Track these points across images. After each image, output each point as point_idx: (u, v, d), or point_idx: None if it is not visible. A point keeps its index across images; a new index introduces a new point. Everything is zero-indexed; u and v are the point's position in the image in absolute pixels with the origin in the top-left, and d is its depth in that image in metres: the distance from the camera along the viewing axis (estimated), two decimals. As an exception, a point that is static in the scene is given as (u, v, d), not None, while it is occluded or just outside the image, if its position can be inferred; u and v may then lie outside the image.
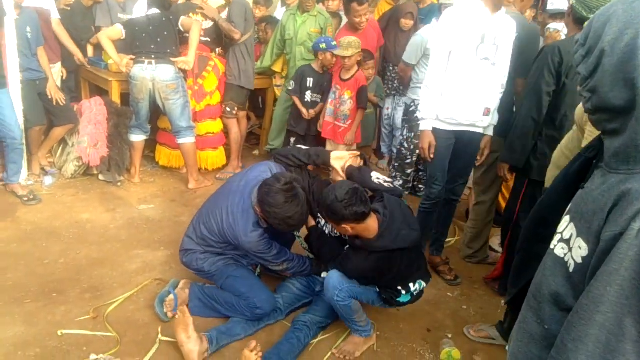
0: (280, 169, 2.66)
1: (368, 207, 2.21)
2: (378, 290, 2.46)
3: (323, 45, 4.10)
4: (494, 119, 2.97)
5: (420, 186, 4.58)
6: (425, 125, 2.94)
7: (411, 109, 4.05)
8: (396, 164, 4.37)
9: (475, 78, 2.83)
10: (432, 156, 2.97)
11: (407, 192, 4.34)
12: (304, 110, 4.29)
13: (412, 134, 4.10)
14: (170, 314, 2.53)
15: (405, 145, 4.23)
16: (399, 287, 2.43)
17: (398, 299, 2.46)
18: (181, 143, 4.08)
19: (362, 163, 2.72)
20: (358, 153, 2.74)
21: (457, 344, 2.64)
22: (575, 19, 2.59)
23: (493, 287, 3.29)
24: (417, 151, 4.19)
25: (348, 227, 2.24)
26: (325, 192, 2.26)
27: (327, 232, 2.66)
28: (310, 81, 4.28)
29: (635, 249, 0.87)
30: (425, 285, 2.54)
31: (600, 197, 0.99)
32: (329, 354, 2.50)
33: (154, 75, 3.81)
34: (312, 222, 2.67)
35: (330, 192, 2.20)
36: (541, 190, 2.82)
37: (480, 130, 2.99)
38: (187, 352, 2.30)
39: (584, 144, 2.31)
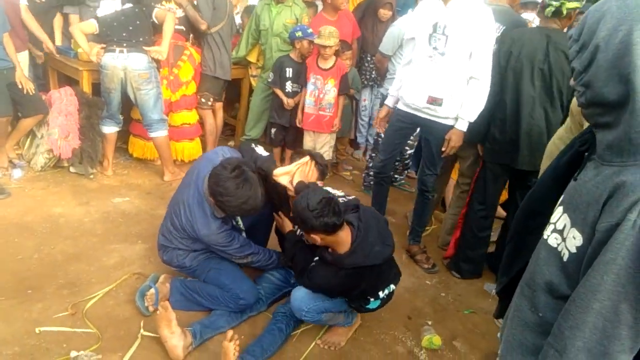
0: (233, 152, 2.58)
1: (340, 219, 2.12)
2: (346, 300, 2.44)
3: (299, 34, 4.08)
4: (465, 112, 2.90)
5: (396, 176, 4.63)
6: (387, 101, 3.34)
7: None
8: (373, 154, 4.39)
9: (423, 66, 2.94)
10: (382, 130, 3.38)
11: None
12: (285, 100, 4.27)
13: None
14: (151, 308, 2.50)
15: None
16: (369, 297, 2.39)
17: (367, 307, 2.43)
18: (153, 137, 3.99)
19: (316, 174, 2.54)
20: (306, 161, 2.50)
21: (437, 331, 2.71)
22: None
23: (447, 266, 3.43)
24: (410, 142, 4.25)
25: (317, 238, 2.17)
26: (298, 198, 2.18)
27: (303, 239, 2.54)
28: (289, 71, 4.25)
29: (632, 239, 0.91)
30: (394, 287, 2.48)
31: (594, 188, 1.02)
32: (313, 344, 2.52)
33: (125, 64, 3.70)
34: (289, 227, 2.64)
35: (303, 200, 2.12)
36: (501, 171, 3.05)
37: (445, 121, 2.99)
38: (171, 347, 2.28)
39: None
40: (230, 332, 2.16)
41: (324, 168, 2.61)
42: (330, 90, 4.07)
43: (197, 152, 4.53)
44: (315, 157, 2.56)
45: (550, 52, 2.69)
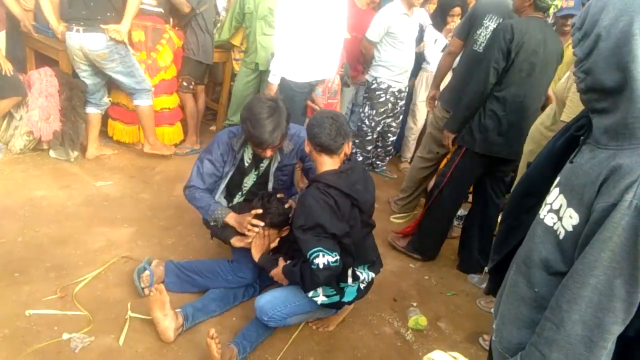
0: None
1: (335, 146, 2.16)
2: (320, 294, 2.32)
3: None
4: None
5: (378, 162, 4.70)
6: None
7: (372, 86, 4.12)
8: (357, 141, 4.44)
9: (308, 38, 3.16)
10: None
11: (367, 168, 4.45)
12: None
13: (374, 111, 4.18)
14: (147, 291, 2.50)
15: (367, 122, 4.30)
16: (348, 273, 2.31)
17: (343, 300, 2.36)
18: (135, 105, 3.92)
19: (275, 234, 2.52)
20: (259, 232, 2.44)
21: (422, 312, 2.79)
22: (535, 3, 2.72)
23: (394, 241, 3.48)
24: (378, 128, 4.29)
25: (314, 152, 2.23)
26: (312, 120, 2.25)
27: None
28: None
29: (627, 218, 0.97)
30: (374, 276, 2.47)
31: (591, 170, 1.08)
32: (302, 325, 2.57)
33: (81, 44, 3.55)
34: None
35: (321, 116, 2.20)
36: (481, 162, 3.02)
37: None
38: (163, 329, 2.29)
39: (563, 118, 2.46)
40: (212, 330, 2.14)
41: (284, 217, 2.49)
42: (336, 79, 4.09)
43: (177, 137, 4.49)
44: (271, 212, 2.46)
45: (549, 41, 2.74)
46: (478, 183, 3.24)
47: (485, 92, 2.84)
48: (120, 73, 3.73)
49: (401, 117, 4.48)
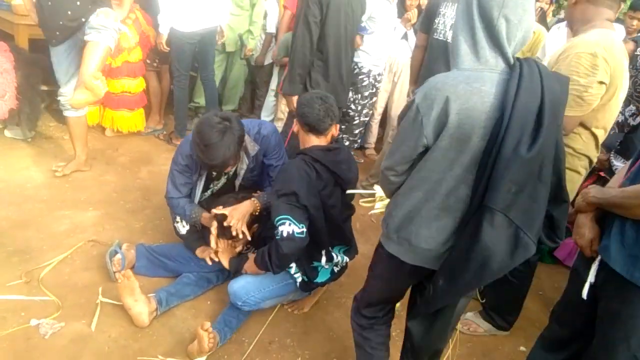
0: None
1: (323, 126, 2.19)
2: (294, 270, 2.32)
3: None
4: None
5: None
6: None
7: (354, 71, 4.10)
8: (342, 127, 4.40)
9: None
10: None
11: (355, 147, 4.51)
12: None
13: (359, 95, 4.16)
14: (118, 275, 2.42)
15: (352, 107, 4.27)
16: (322, 252, 2.32)
17: (316, 280, 2.36)
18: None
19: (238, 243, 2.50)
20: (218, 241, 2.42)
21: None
22: None
23: None
24: (365, 111, 4.30)
25: (296, 126, 2.27)
26: (301, 99, 2.25)
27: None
28: None
29: None
30: (348, 260, 2.49)
31: None
32: (277, 307, 2.58)
33: None
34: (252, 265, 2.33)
35: (311, 97, 2.22)
36: None
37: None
38: (136, 314, 2.24)
39: None
40: (207, 324, 2.10)
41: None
42: None
43: (137, 124, 4.25)
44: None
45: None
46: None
47: (312, 48, 3.01)
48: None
49: (373, 99, 4.48)
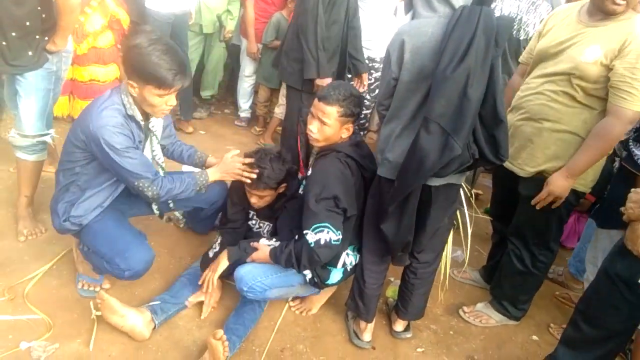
0: None
1: (359, 111, 2.17)
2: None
3: None
4: None
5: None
6: None
7: None
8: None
9: None
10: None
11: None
12: None
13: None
14: (93, 303, 2.10)
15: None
16: (341, 257, 2.24)
17: (327, 282, 2.26)
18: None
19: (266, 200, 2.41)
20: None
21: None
22: None
23: None
24: (368, 96, 4.15)
25: (332, 115, 2.12)
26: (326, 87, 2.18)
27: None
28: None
29: None
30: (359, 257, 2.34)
31: None
32: (285, 309, 2.45)
33: None
34: (265, 252, 2.21)
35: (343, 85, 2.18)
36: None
37: None
38: (130, 329, 2.07)
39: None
40: (220, 332, 1.95)
41: (279, 177, 2.34)
42: None
43: None
44: (265, 172, 2.29)
45: None
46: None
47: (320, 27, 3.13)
48: None
49: (376, 91, 4.30)
